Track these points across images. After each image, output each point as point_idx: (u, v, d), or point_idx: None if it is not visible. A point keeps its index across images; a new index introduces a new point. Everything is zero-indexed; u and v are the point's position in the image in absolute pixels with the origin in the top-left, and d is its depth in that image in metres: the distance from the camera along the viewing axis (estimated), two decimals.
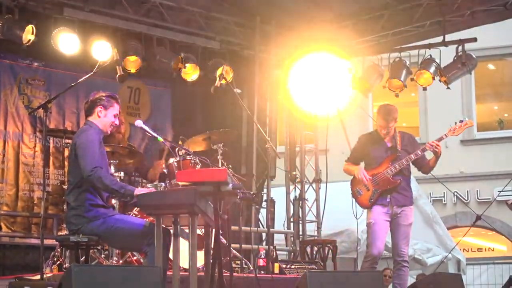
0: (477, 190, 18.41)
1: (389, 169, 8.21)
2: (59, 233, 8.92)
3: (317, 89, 10.40)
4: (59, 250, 7.92)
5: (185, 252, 6.02)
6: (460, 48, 10.81)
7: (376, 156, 8.37)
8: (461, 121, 8.49)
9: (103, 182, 6.10)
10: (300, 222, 11.62)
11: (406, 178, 8.37)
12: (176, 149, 7.88)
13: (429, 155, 8.42)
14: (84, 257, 6.61)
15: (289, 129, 12.03)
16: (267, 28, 11.43)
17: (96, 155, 6.21)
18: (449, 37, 10.78)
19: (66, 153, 9.94)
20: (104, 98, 6.45)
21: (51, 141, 10.35)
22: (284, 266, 9.41)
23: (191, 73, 10.74)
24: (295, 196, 11.71)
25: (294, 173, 11.82)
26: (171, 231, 5.99)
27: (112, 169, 7.78)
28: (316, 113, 11.01)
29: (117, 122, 6.58)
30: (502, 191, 14.61)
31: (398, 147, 8.33)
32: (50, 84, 10.55)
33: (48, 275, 7.07)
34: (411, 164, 8.37)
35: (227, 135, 8.77)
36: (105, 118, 6.45)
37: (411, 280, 13.77)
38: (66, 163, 10.04)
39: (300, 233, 11.58)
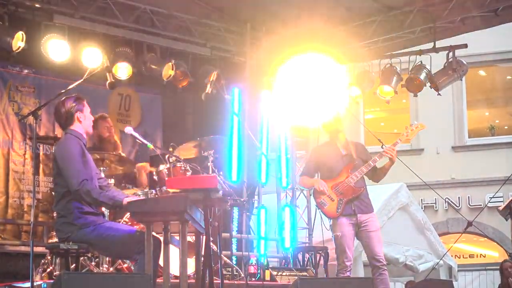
0: (468, 197, 18.39)
1: (350, 177, 8.18)
2: (49, 241, 8.85)
3: (309, 97, 10.18)
4: (49, 257, 7.88)
5: (176, 259, 6.00)
6: (450, 54, 10.85)
7: (333, 166, 8.32)
8: (411, 125, 8.48)
9: (92, 195, 6.06)
10: None
11: (365, 185, 8.35)
12: (167, 156, 7.86)
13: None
14: (74, 265, 6.57)
15: (280, 136, 11.99)
16: (257, 35, 11.45)
17: (79, 167, 6.15)
18: (439, 43, 10.80)
19: None
20: (76, 102, 6.44)
21: (41, 148, 10.29)
22: (275, 273, 9.38)
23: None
24: (286, 203, 11.68)
25: (285, 179, 11.78)
26: (161, 238, 5.97)
27: (102, 175, 7.72)
28: (307, 125, 10.96)
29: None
30: (493, 197, 14.62)
31: (354, 155, 8.30)
32: (40, 91, 10.52)
33: (38, 282, 7.02)
34: None
35: (218, 141, 8.75)
36: (86, 120, 6.47)
37: (401, 286, 13.86)
38: None
39: None
